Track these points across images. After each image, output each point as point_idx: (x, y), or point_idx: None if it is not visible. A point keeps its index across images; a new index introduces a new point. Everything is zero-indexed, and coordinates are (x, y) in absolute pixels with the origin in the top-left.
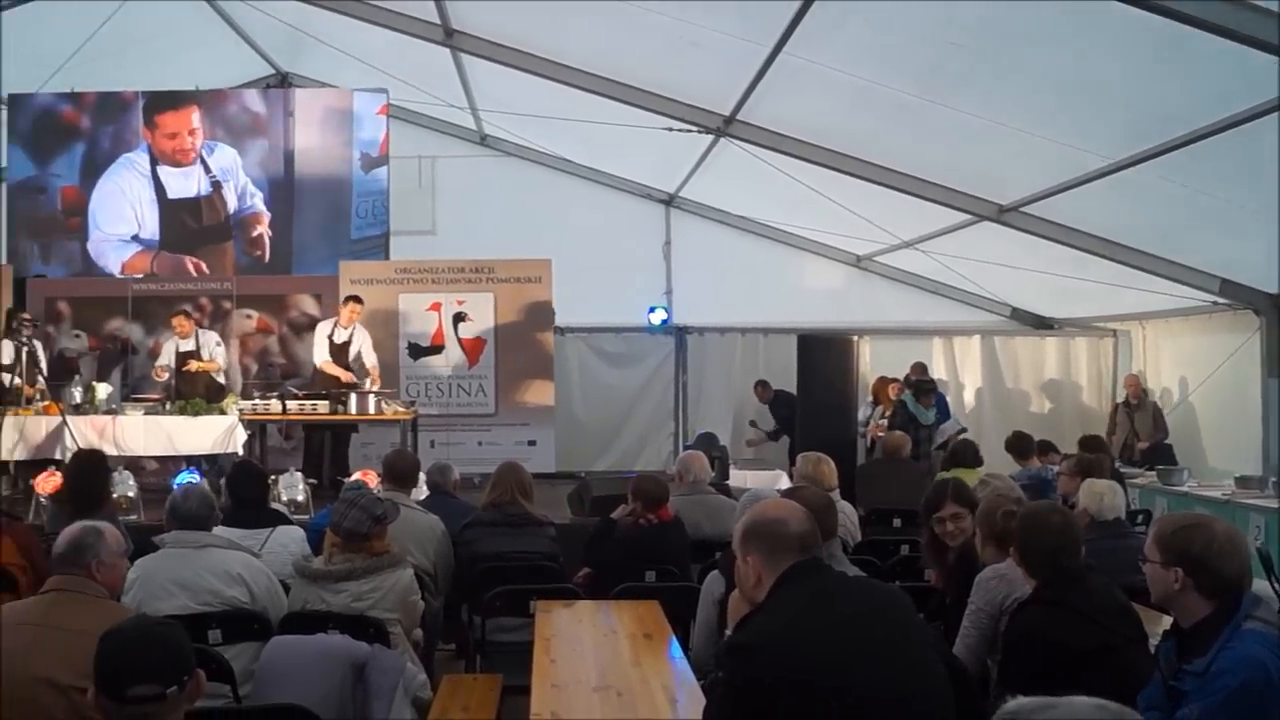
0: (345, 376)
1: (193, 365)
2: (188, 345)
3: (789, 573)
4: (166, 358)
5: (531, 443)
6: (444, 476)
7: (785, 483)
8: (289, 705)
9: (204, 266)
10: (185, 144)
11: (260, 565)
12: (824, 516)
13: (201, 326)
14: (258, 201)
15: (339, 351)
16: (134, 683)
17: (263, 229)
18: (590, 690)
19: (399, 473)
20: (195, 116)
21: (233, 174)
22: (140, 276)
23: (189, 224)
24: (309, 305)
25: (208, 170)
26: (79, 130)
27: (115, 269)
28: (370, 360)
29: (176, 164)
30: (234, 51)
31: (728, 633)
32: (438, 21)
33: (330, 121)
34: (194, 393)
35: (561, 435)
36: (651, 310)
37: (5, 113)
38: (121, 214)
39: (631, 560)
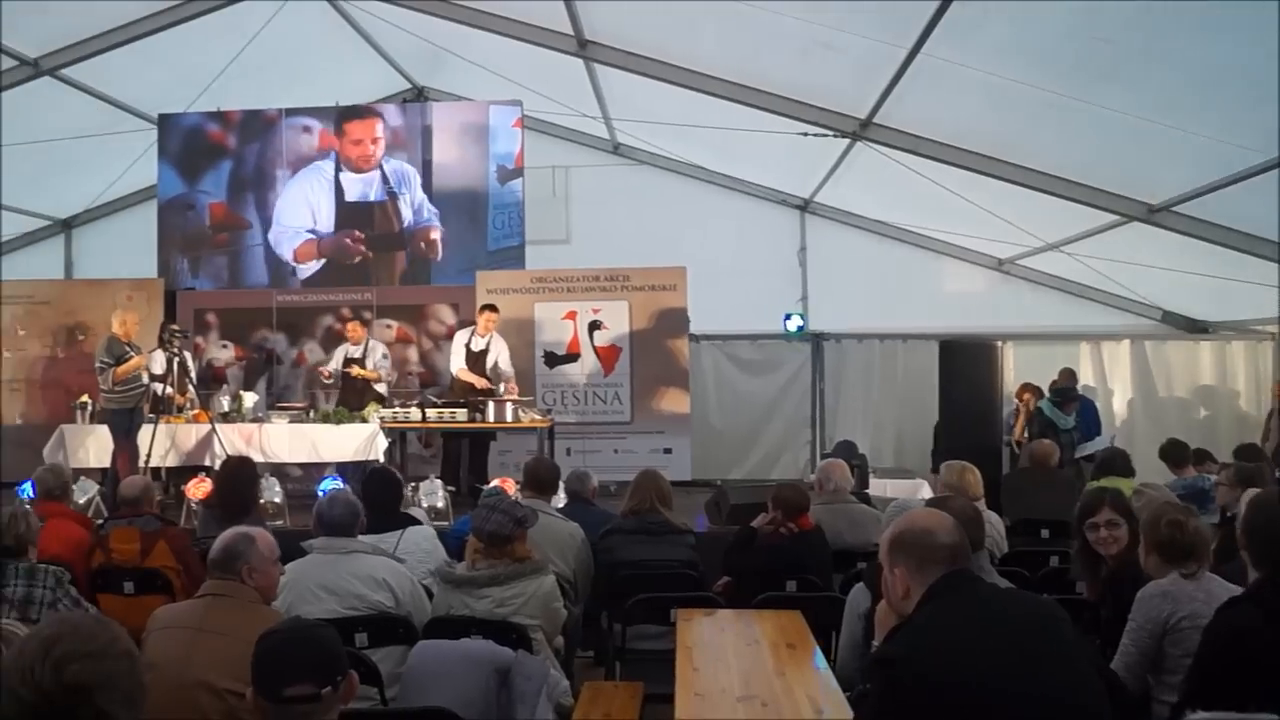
0: (480, 383)
1: (354, 370)
2: (356, 352)
3: (939, 584)
4: (336, 361)
5: (667, 450)
6: (583, 484)
7: (927, 492)
8: (436, 708)
9: (358, 246)
10: (368, 150)
11: (404, 570)
12: (972, 527)
13: (344, 338)
14: (435, 218)
15: (476, 359)
16: (290, 682)
17: (435, 239)
18: (734, 699)
19: (540, 480)
20: (379, 127)
21: (409, 188)
22: (304, 272)
23: (361, 225)
24: (447, 315)
25: (385, 180)
26: (225, 148)
27: (289, 256)
28: (507, 368)
29: (358, 170)
30: (372, 68)
31: (875, 644)
32: (571, 33)
33: (466, 135)
34: (352, 399)
35: (697, 443)
36: (787, 317)
37: (157, 132)
38: (300, 211)
39: (772, 569)
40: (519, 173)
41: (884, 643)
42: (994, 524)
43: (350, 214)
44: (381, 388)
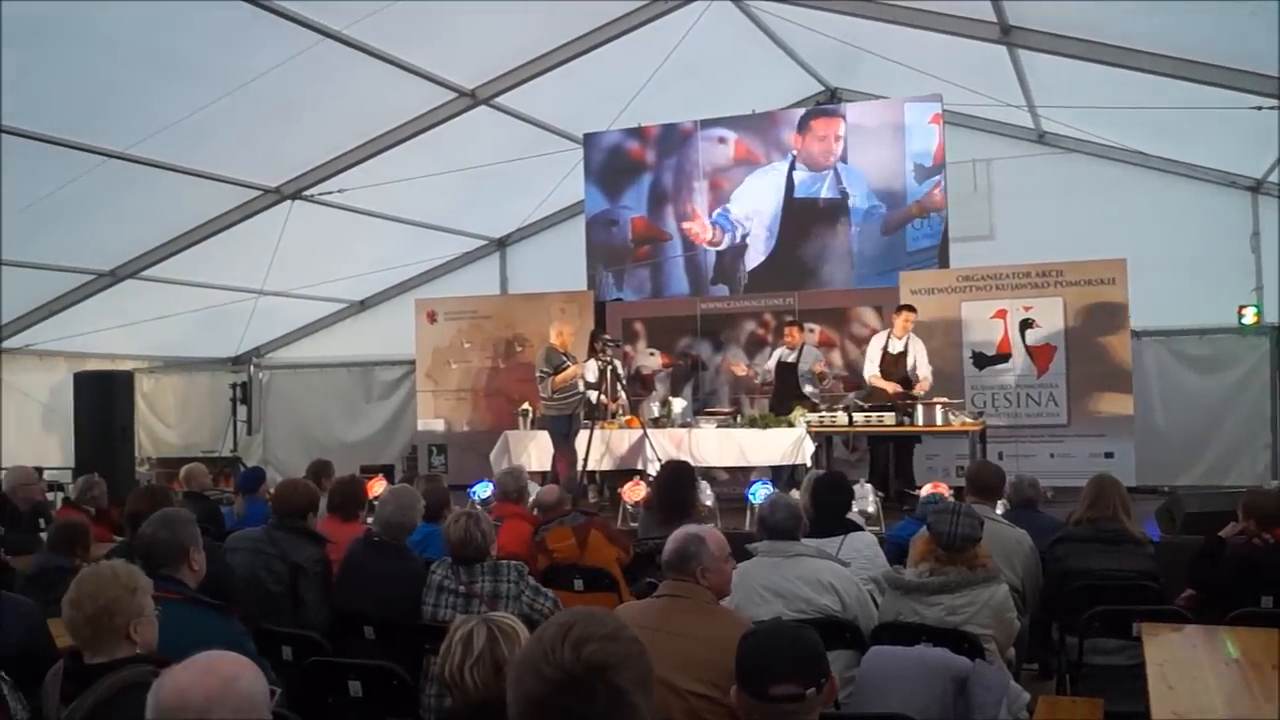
0: (893, 388)
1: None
2: (790, 356)
3: None
4: (770, 363)
5: (1108, 454)
6: (1032, 489)
7: None
8: (897, 714)
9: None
10: (829, 147)
11: (850, 575)
12: None
13: (767, 342)
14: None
15: (894, 361)
16: (776, 682)
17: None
18: None
19: (985, 485)
20: (842, 126)
21: (860, 192)
22: (751, 262)
23: (803, 221)
24: (869, 318)
25: (839, 180)
26: (644, 164)
27: (739, 240)
28: (925, 370)
29: (815, 167)
30: (785, 72)
31: None
32: (994, 20)
33: (882, 134)
34: (781, 403)
35: (1140, 446)
36: (1241, 309)
37: (582, 152)
38: (746, 200)
39: (1244, 584)
40: (938, 170)
41: None
42: None
43: (796, 211)
44: (809, 390)
